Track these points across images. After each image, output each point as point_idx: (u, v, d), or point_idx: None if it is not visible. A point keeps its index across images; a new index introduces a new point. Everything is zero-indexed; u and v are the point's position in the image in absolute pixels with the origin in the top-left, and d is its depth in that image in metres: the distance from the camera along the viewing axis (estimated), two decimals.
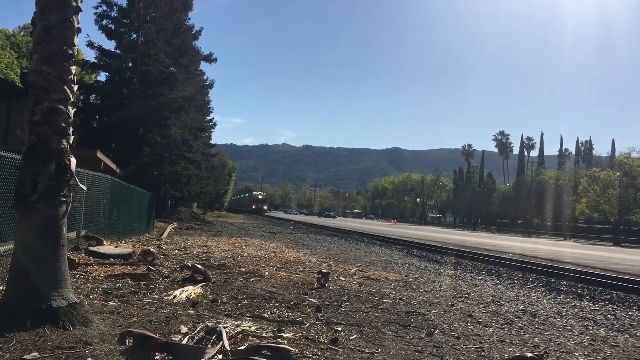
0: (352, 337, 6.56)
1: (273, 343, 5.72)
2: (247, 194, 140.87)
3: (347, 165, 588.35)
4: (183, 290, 8.78)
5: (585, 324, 8.99)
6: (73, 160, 6.26)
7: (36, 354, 4.89)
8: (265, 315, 7.46)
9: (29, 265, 5.91)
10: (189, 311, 7.40)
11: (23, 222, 6.04)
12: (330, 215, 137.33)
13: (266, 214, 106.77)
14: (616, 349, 7.13)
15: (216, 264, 13.25)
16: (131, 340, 4.95)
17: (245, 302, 8.45)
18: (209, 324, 6.36)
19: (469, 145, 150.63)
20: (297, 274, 12.50)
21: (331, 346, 6.02)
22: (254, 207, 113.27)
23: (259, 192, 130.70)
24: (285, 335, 6.28)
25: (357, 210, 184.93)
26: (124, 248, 14.74)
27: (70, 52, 6.25)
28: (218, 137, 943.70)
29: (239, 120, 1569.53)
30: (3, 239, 9.73)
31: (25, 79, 6.17)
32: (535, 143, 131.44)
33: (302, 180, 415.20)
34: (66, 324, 5.74)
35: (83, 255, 12.56)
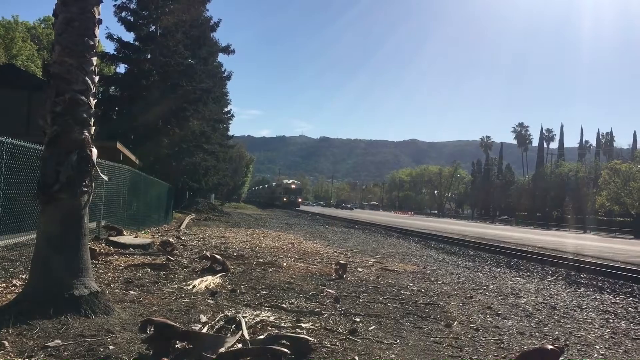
0: (370, 328, 6.56)
1: (292, 333, 5.74)
2: (273, 184, 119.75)
3: (364, 157, 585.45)
4: (202, 280, 8.86)
5: (606, 317, 8.89)
6: (94, 151, 6.32)
7: (59, 341, 4.97)
8: (283, 305, 7.49)
9: (51, 255, 5.99)
10: (209, 301, 7.47)
11: (45, 211, 6.11)
12: (347, 207, 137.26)
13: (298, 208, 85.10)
14: (637, 342, 7.05)
15: (234, 254, 13.34)
16: (152, 329, 5.01)
17: (264, 292, 8.50)
18: (228, 314, 6.40)
19: (488, 137, 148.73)
20: (315, 265, 12.54)
21: (350, 337, 6.04)
22: (285, 199, 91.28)
23: (291, 181, 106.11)
24: (304, 325, 6.30)
25: (374, 202, 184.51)
26: (143, 238, 14.89)
27: (92, 43, 6.30)
28: (235, 129, 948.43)
29: (255, 111, 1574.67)
30: (26, 228, 9.90)
31: (48, 70, 6.23)
32: (555, 135, 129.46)
33: (319, 172, 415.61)
34: (88, 312, 5.83)
35: (103, 245, 12.73)
